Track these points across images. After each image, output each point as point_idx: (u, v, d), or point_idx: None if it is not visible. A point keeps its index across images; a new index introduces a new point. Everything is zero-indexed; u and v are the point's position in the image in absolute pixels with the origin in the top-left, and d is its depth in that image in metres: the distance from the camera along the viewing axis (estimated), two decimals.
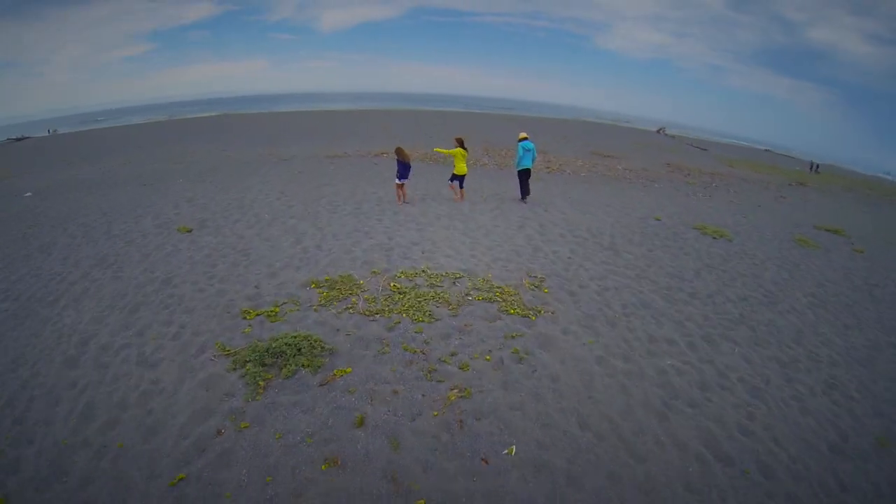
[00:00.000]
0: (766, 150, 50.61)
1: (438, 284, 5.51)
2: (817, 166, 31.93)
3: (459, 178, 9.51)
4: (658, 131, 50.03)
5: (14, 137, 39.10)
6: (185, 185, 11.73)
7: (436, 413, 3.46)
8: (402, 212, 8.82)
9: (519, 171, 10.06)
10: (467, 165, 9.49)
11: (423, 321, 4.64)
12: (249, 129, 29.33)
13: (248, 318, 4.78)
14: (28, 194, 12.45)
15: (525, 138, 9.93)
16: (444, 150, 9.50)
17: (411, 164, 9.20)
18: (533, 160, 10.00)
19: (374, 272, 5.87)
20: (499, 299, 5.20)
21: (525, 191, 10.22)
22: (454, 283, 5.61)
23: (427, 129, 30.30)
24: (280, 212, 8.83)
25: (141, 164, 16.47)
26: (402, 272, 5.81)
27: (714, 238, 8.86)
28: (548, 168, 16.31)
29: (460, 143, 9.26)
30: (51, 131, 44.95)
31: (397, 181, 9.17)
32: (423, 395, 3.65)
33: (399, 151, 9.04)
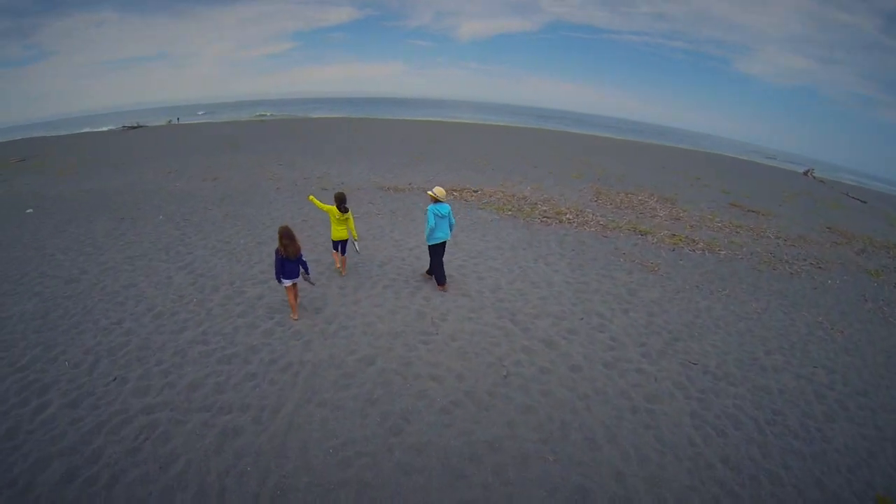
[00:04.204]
0: None
1: None
2: None
3: (338, 244, 7.53)
4: (805, 174, 39.47)
5: (129, 125, 42.38)
6: (71, 248, 9.05)
7: None
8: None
9: (431, 247, 6.99)
10: (353, 230, 7.29)
11: None
12: (323, 139, 27.68)
13: None
14: (29, 211, 11.55)
15: (438, 199, 6.64)
16: (318, 204, 7.22)
17: (300, 255, 5.83)
18: (452, 227, 6.94)
19: None
20: None
21: (441, 273, 7.15)
22: None
23: (537, 153, 25.75)
24: None
25: (138, 182, 14.84)
26: None
27: None
28: (673, 238, 11.08)
29: (339, 201, 7.05)
30: (177, 119, 48.38)
31: (285, 282, 5.88)
32: None
33: (284, 235, 5.63)
